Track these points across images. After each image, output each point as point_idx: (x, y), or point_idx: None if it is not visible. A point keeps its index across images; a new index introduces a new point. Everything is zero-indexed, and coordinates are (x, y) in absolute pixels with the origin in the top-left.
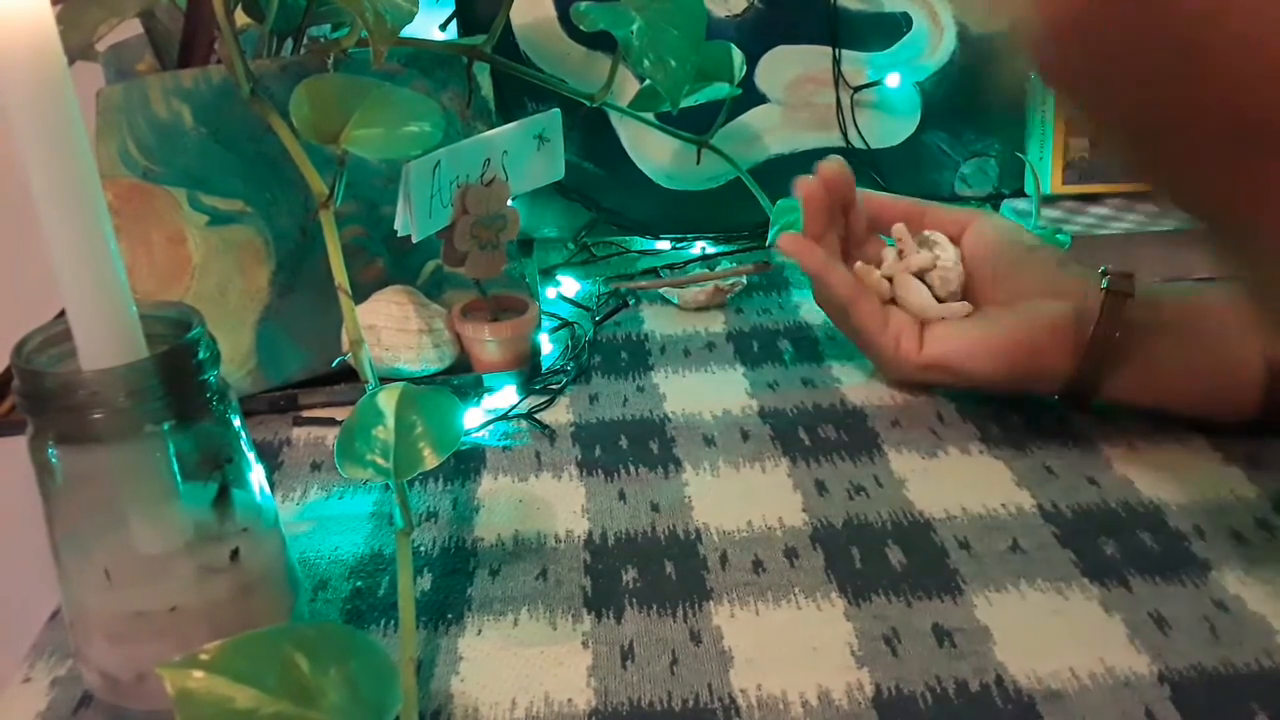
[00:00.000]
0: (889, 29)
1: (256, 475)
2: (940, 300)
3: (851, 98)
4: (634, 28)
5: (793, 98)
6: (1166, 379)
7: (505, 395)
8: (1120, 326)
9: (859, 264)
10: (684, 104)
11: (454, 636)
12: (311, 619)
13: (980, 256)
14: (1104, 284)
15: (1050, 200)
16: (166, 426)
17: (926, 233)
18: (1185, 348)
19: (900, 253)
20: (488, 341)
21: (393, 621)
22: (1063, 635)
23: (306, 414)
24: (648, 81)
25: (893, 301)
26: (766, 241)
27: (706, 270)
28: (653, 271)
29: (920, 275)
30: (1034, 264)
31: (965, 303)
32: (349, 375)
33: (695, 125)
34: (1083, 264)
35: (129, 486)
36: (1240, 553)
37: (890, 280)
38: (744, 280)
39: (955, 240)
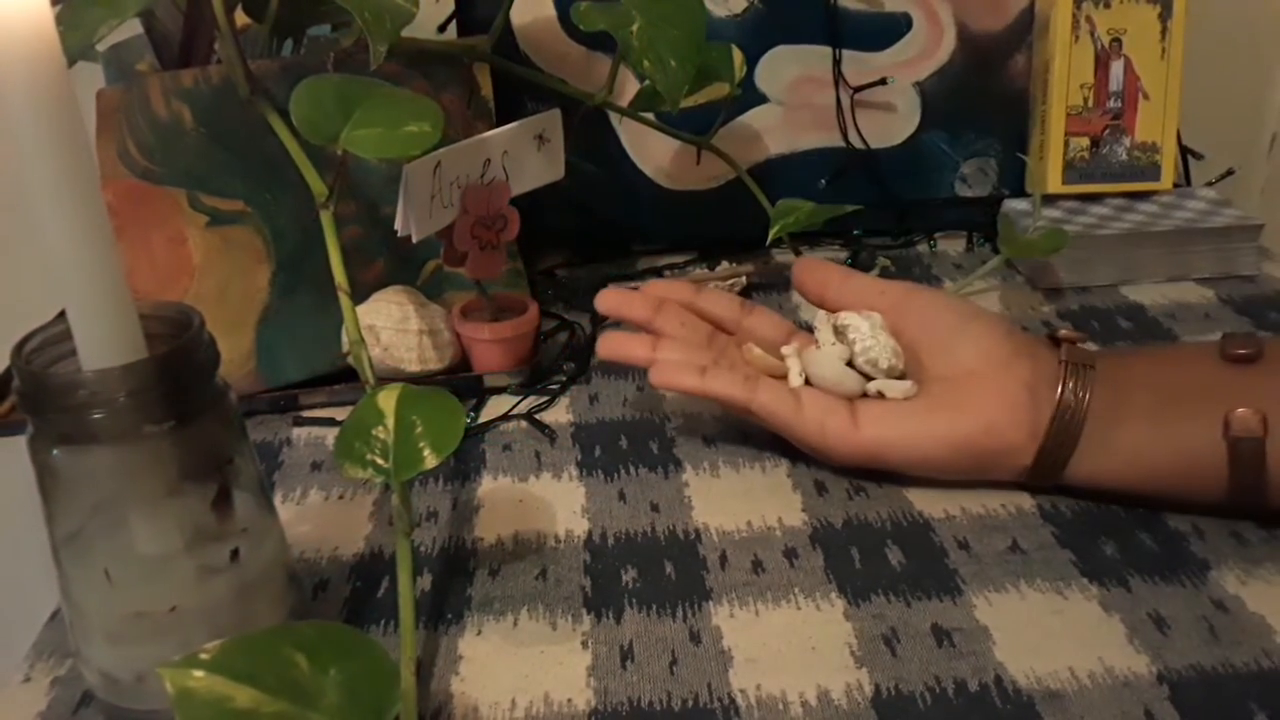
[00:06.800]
0: (889, 29)
1: (256, 475)
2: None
3: (851, 98)
4: (634, 28)
5: (793, 98)
6: (1129, 461)
7: (505, 395)
8: (1083, 399)
9: (746, 345)
10: (684, 104)
11: (454, 636)
12: (311, 619)
13: (914, 329)
14: (1061, 354)
15: (1050, 200)
16: (167, 426)
17: (841, 317)
18: (1147, 425)
19: (816, 345)
20: (488, 341)
21: (393, 621)
22: (1062, 635)
23: (306, 414)
24: (648, 81)
25: (807, 383)
26: (767, 241)
27: (706, 270)
28: (653, 272)
29: (849, 365)
30: (977, 334)
31: (909, 382)
32: (349, 375)
33: (695, 125)
34: (1022, 309)
35: (129, 486)
36: (1239, 553)
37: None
38: (744, 280)
39: (884, 314)
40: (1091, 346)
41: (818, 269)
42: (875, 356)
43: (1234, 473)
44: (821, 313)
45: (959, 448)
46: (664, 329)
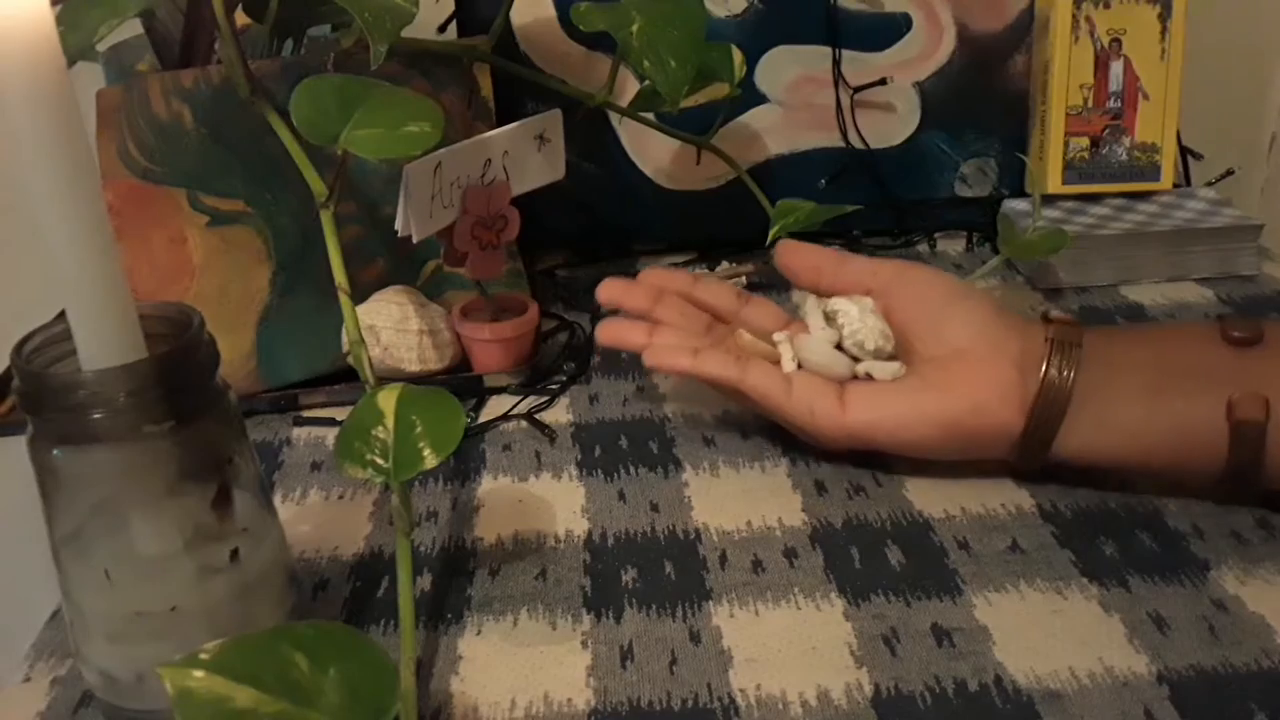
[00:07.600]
0: (889, 29)
1: (256, 475)
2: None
3: (852, 98)
4: (634, 28)
5: (793, 98)
6: (1125, 437)
7: (505, 395)
8: (1068, 377)
9: (737, 331)
10: (684, 104)
11: (454, 636)
12: (311, 619)
13: (905, 309)
14: (1048, 332)
15: (1050, 200)
16: (167, 426)
17: (831, 303)
18: (1144, 403)
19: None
20: (488, 341)
21: (393, 621)
22: (1062, 635)
23: (306, 414)
24: (648, 81)
25: (799, 367)
26: (767, 241)
27: (707, 270)
28: None
29: (838, 348)
30: (966, 312)
31: (897, 363)
32: (349, 375)
33: (695, 125)
34: (1021, 309)
35: (129, 486)
36: (1239, 552)
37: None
38: (744, 280)
39: (877, 295)
40: None
41: (803, 253)
42: (862, 339)
43: (1233, 455)
44: (811, 298)
45: (947, 427)
46: (663, 318)
